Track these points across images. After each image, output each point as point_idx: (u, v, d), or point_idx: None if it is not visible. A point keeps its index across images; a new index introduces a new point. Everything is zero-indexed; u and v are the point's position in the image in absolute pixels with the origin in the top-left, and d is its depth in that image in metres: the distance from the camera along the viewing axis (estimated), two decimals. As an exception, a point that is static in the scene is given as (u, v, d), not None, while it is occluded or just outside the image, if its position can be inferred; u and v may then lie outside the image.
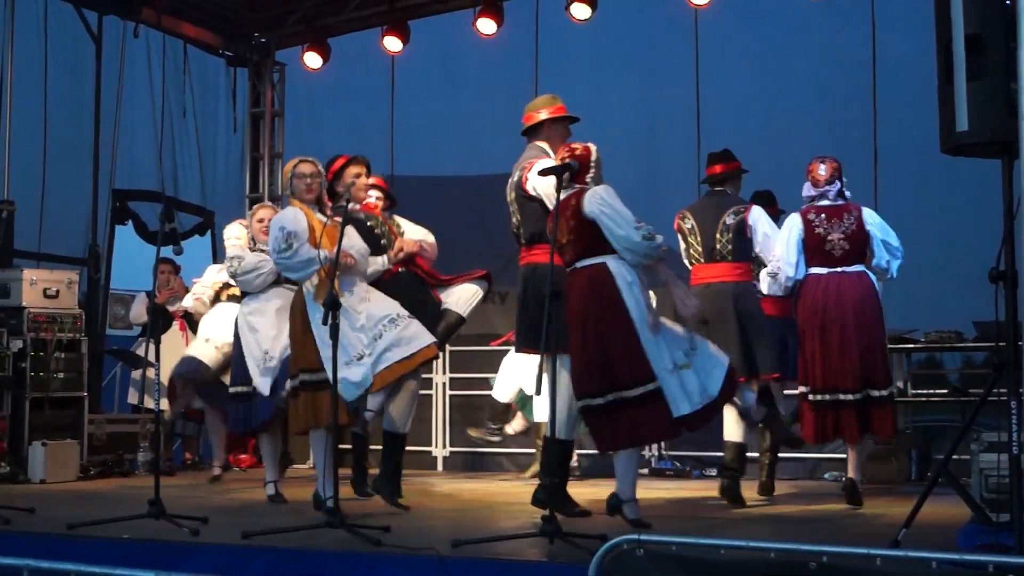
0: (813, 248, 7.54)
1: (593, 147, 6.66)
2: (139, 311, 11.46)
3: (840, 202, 7.62)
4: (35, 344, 9.90)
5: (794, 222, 7.60)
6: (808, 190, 7.66)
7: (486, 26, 12.23)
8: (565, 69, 12.77)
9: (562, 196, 6.22)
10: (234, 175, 13.95)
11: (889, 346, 8.13)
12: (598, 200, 6.32)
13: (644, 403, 6.21)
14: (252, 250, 8.10)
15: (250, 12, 13.32)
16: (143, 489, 7.32)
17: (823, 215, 7.55)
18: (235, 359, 8.14)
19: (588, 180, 6.54)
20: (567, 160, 6.44)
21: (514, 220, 7.21)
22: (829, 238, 7.51)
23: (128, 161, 12.53)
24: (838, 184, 7.64)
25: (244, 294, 8.22)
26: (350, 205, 7.11)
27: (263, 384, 7.78)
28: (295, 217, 7.17)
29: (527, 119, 7.27)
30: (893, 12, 10.83)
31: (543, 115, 7.22)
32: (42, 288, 10.11)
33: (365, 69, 13.55)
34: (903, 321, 9.77)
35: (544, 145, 7.18)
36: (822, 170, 7.61)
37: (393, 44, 12.77)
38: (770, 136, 11.65)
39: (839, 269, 7.52)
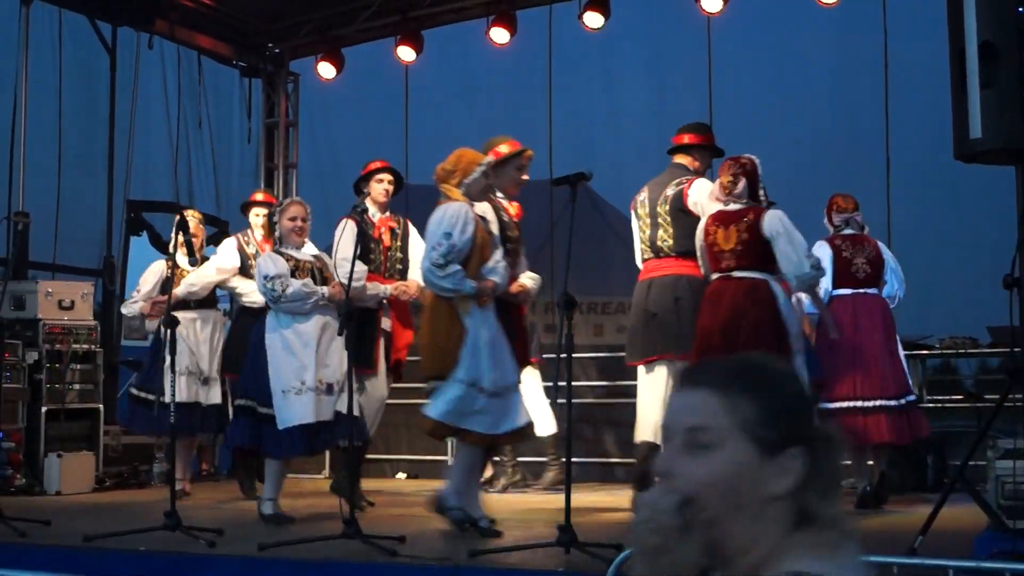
0: (840, 271, 7.94)
1: (757, 160, 7.11)
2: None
3: (858, 233, 8.12)
4: (50, 356, 9.90)
5: (823, 250, 7.94)
6: (836, 218, 8.09)
7: (499, 35, 12.21)
8: (578, 78, 12.77)
9: (734, 208, 6.87)
10: (248, 185, 13.92)
11: (904, 352, 8.29)
12: (778, 223, 6.77)
13: None
14: (277, 252, 7.52)
15: (264, 23, 13.34)
16: (159, 501, 7.33)
17: (848, 241, 8.02)
18: (253, 372, 7.84)
19: (761, 195, 7.03)
20: (734, 176, 6.93)
21: (660, 233, 7.43)
22: (854, 261, 7.96)
23: (143, 172, 12.52)
24: (859, 215, 8.16)
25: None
26: None
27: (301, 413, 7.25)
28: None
29: (676, 139, 7.73)
30: (905, 19, 10.82)
31: (686, 139, 7.67)
32: (57, 300, 10.11)
33: (379, 79, 13.56)
34: (918, 327, 9.78)
35: (685, 162, 7.63)
36: (847, 201, 8.13)
37: (407, 54, 12.77)
38: (783, 143, 11.65)
39: (862, 290, 7.94)
